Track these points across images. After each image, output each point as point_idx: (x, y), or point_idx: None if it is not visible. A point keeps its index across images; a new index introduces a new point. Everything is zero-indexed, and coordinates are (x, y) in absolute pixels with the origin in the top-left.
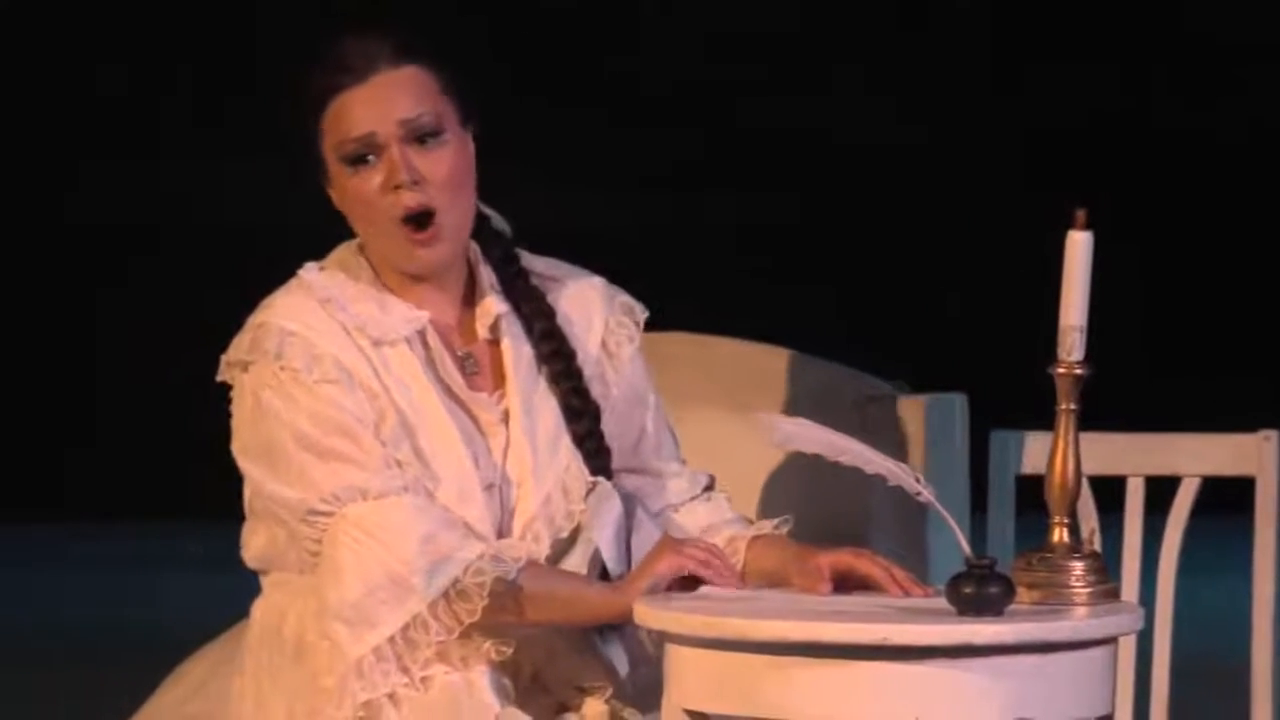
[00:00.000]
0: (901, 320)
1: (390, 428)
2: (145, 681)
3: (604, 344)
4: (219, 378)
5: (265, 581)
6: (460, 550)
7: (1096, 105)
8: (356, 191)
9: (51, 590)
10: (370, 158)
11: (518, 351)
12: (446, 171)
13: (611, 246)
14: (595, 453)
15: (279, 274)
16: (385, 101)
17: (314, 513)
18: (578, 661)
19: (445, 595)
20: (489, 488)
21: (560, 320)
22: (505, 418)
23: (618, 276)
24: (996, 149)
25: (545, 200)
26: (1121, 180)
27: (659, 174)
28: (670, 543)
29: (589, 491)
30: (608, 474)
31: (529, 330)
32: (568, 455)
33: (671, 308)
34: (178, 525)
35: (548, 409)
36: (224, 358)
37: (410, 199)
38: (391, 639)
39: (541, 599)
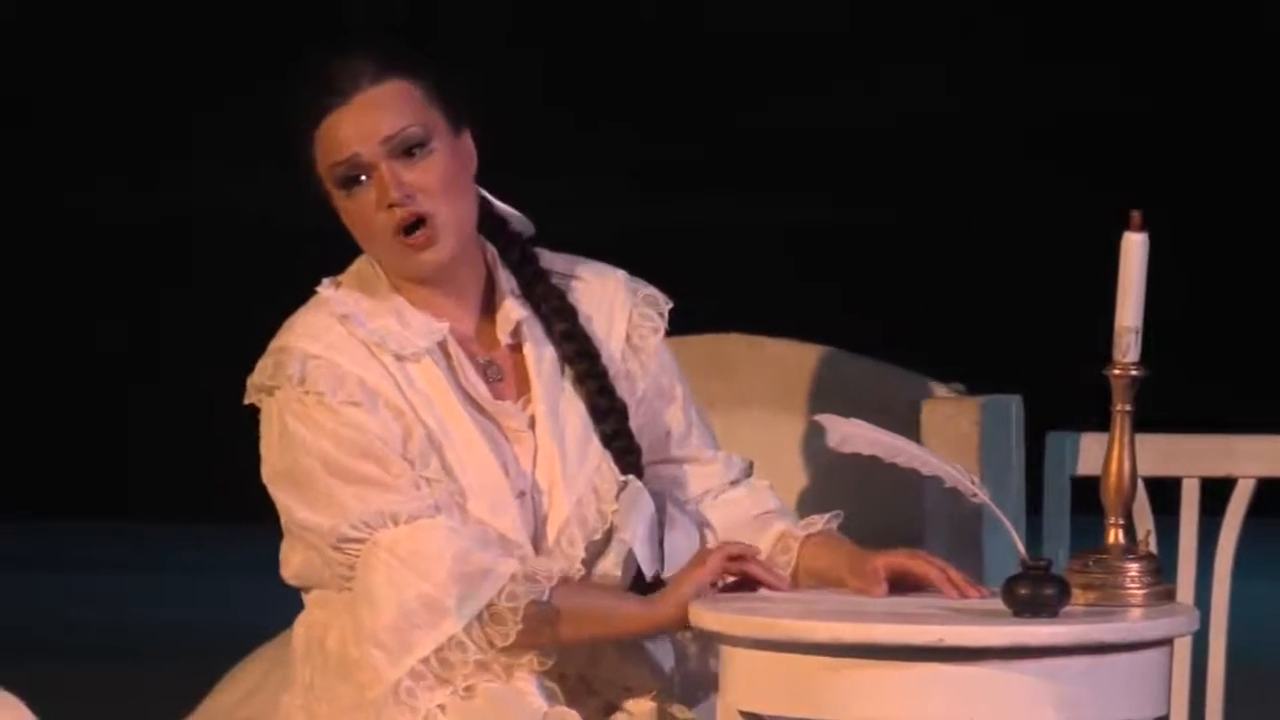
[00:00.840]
0: (958, 322)
1: (417, 444)
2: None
3: (628, 338)
4: (246, 400)
5: (307, 598)
6: (493, 572)
7: (1152, 106)
8: (353, 212)
9: (129, 592)
10: (361, 178)
11: (540, 355)
12: (436, 180)
13: (663, 247)
14: (625, 451)
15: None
16: (368, 121)
17: (345, 539)
18: (623, 661)
19: (479, 618)
20: (520, 495)
21: (581, 318)
22: (532, 424)
23: (667, 277)
24: (1054, 150)
25: (595, 199)
26: (1178, 179)
27: (716, 174)
28: (708, 551)
29: (620, 491)
30: (638, 471)
31: (550, 332)
32: (597, 456)
33: (727, 308)
34: (242, 529)
35: (574, 411)
36: (249, 381)
37: (403, 213)
38: (426, 660)
39: (576, 617)
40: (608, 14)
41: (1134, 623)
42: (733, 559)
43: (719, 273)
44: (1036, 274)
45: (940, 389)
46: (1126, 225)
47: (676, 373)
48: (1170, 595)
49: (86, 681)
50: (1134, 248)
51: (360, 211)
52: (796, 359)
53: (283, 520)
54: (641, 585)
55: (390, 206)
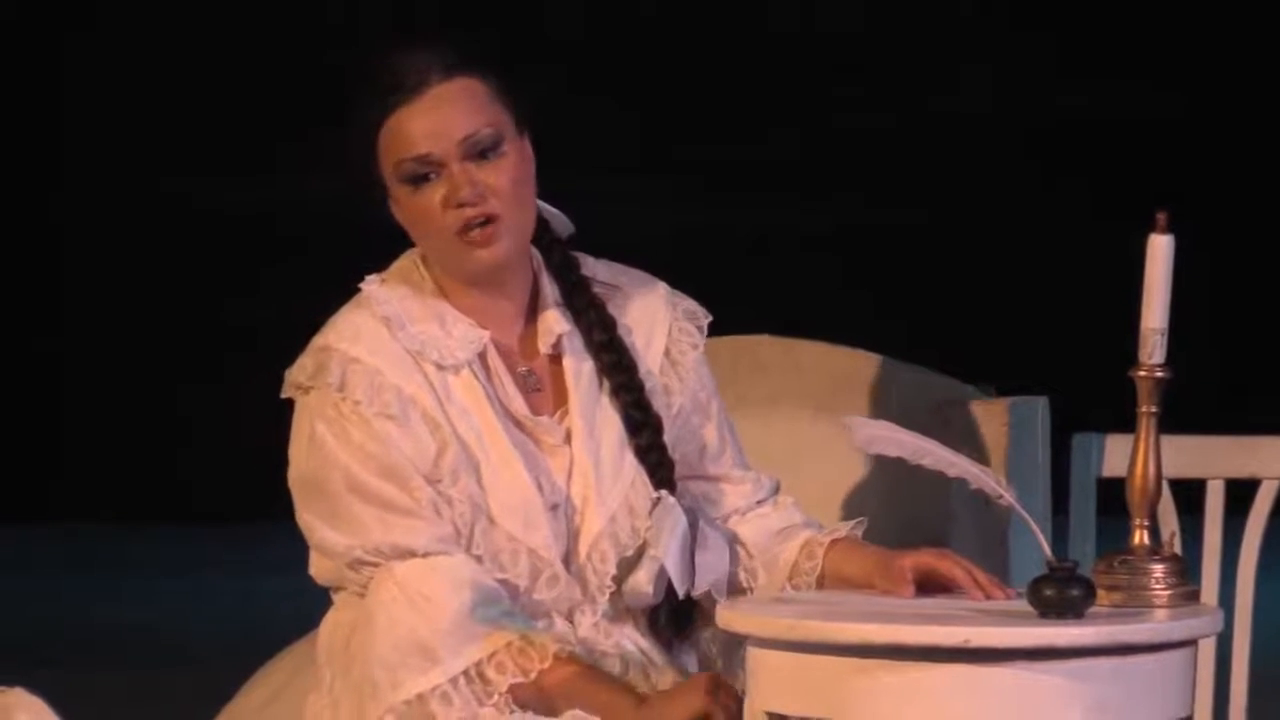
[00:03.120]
0: (984, 324)
1: (452, 458)
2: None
3: (667, 351)
4: (283, 394)
5: (335, 598)
6: (490, 636)
7: (1177, 107)
8: (418, 208)
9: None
10: (430, 175)
11: (579, 368)
12: (508, 182)
13: (687, 250)
14: (658, 465)
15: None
16: (441, 119)
17: (359, 562)
18: (652, 671)
19: (466, 675)
20: (553, 509)
21: (621, 330)
22: (567, 437)
23: (690, 279)
24: (1079, 152)
25: (624, 200)
26: (1204, 181)
27: (739, 178)
28: (704, 684)
29: (653, 507)
30: (671, 486)
31: (589, 342)
32: (631, 471)
33: (757, 311)
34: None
35: (610, 425)
36: (288, 376)
37: (473, 213)
38: (409, 702)
39: (566, 698)
40: (620, 11)
41: (1159, 624)
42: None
43: (749, 274)
44: (1064, 276)
45: (967, 391)
46: (1152, 227)
47: (713, 389)
48: (1195, 596)
49: (110, 683)
50: (1159, 249)
51: (425, 208)
52: (827, 361)
53: (301, 524)
54: (673, 601)
55: (459, 206)
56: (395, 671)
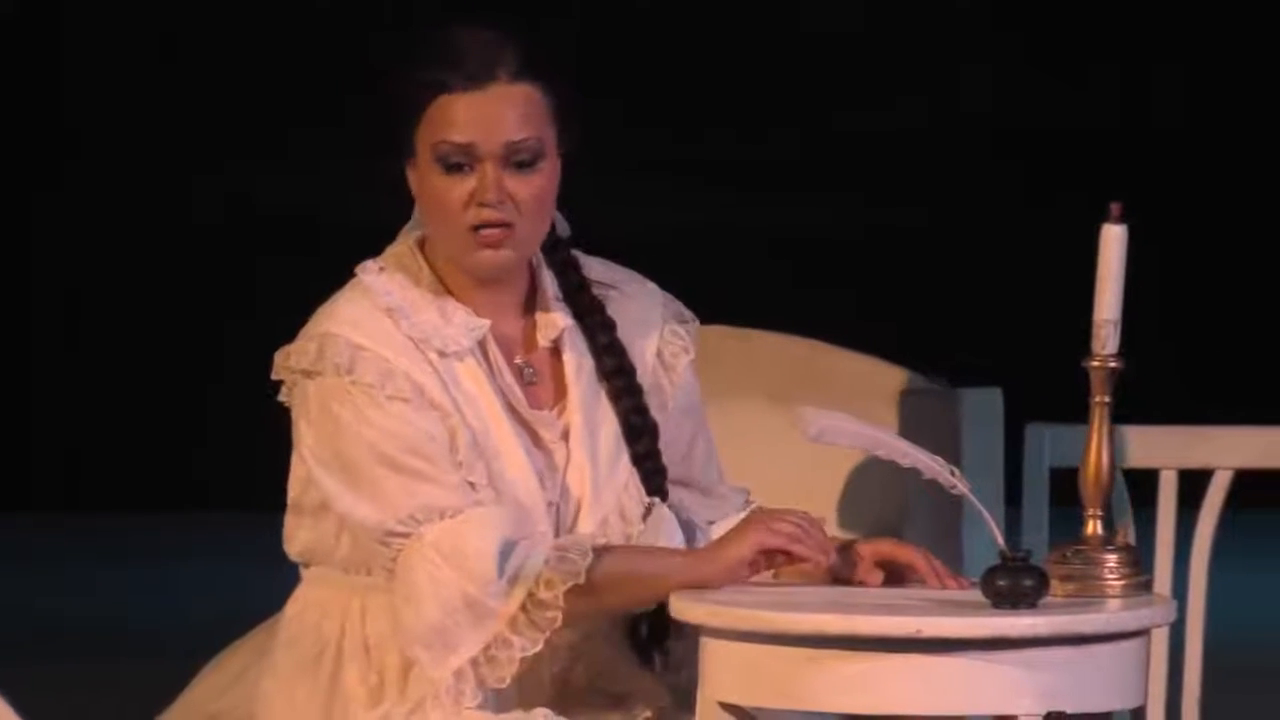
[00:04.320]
0: (938, 315)
1: (464, 447)
2: None
3: (659, 353)
4: (274, 376)
5: (306, 574)
6: (529, 561)
7: (1131, 101)
8: (441, 192)
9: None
10: (465, 166)
11: (579, 365)
12: (535, 196)
13: (644, 244)
14: (654, 473)
15: None
16: (495, 117)
17: (391, 534)
18: (626, 680)
19: (523, 608)
20: (549, 505)
21: (620, 331)
22: (564, 434)
23: (651, 274)
24: (1034, 143)
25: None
26: (1154, 172)
27: (692, 173)
28: (760, 518)
29: (646, 513)
30: (663, 494)
31: (592, 343)
32: (625, 474)
33: (711, 302)
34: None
35: (608, 425)
36: (283, 362)
37: (491, 214)
38: (474, 660)
39: (620, 584)
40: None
41: (1112, 614)
42: (790, 537)
43: (700, 269)
44: (1017, 267)
45: (921, 381)
46: (1106, 217)
47: (699, 396)
48: (1148, 586)
49: (67, 676)
50: (1113, 240)
51: (447, 193)
52: (781, 352)
53: (296, 492)
54: (655, 612)
55: (482, 205)
56: (449, 635)
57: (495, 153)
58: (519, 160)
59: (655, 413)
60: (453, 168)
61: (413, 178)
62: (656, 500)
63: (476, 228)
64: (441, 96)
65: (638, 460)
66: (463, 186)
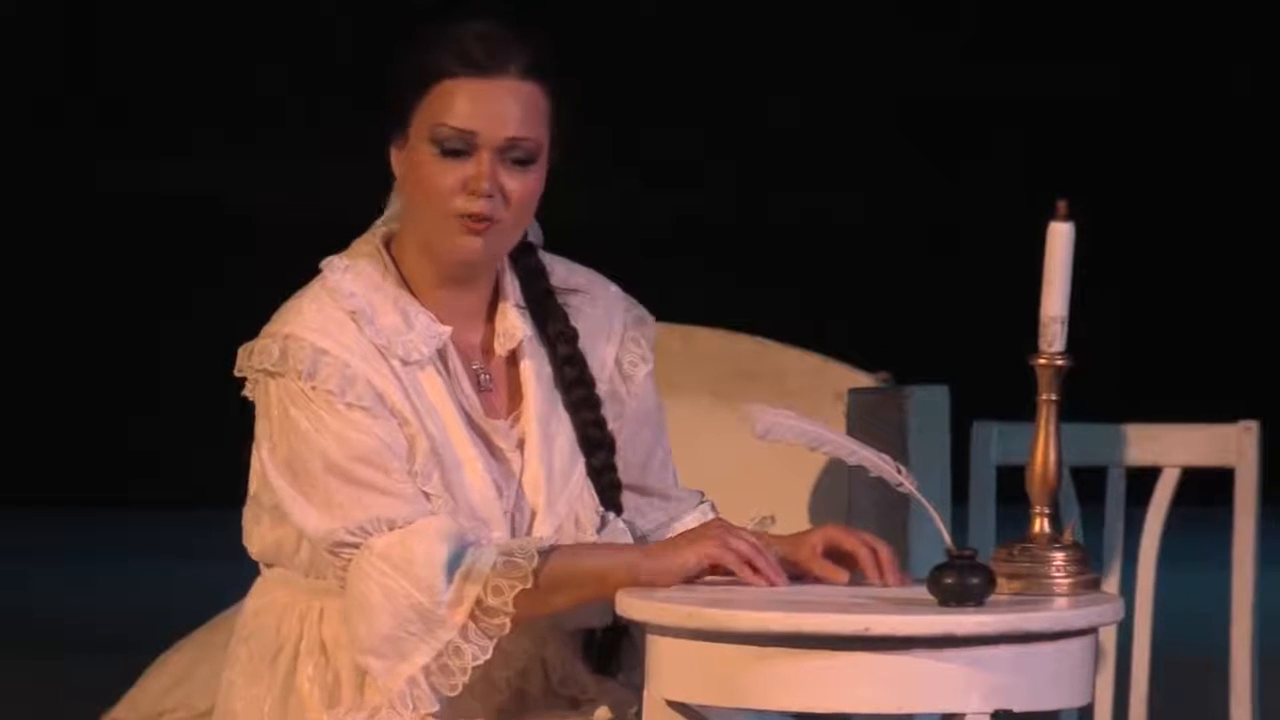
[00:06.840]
0: (884, 312)
1: (422, 456)
2: None
3: (619, 362)
4: (236, 372)
5: (268, 574)
6: (475, 567)
7: (1080, 97)
8: (433, 175)
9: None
10: (462, 153)
11: (538, 374)
12: (523, 196)
13: (593, 240)
14: (609, 486)
15: None
16: (501, 110)
17: (341, 544)
18: (584, 688)
19: (473, 616)
20: (505, 514)
21: (580, 338)
22: (519, 444)
23: (600, 269)
24: (980, 138)
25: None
26: (1103, 171)
27: (645, 169)
28: (718, 530)
29: (601, 526)
30: (618, 508)
31: (552, 354)
32: (580, 484)
33: (655, 300)
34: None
35: (563, 435)
36: (245, 359)
37: (480, 205)
38: (426, 668)
39: (566, 584)
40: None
41: (1059, 612)
42: (741, 560)
43: (643, 265)
44: (964, 264)
45: (868, 379)
46: (1052, 214)
47: (657, 403)
48: (1096, 584)
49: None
50: (1059, 237)
51: (439, 177)
52: (725, 349)
53: (255, 487)
54: (611, 626)
55: (473, 194)
56: (401, 644)
57: (495, 145)
58: (516, 157)
59: (612, 422)
60: (449, 153)
61: (398, 159)
62: (611, 515)
63: (463, 216)
64: (446, 80)
65: (594, 473)
66: (456, 172)
